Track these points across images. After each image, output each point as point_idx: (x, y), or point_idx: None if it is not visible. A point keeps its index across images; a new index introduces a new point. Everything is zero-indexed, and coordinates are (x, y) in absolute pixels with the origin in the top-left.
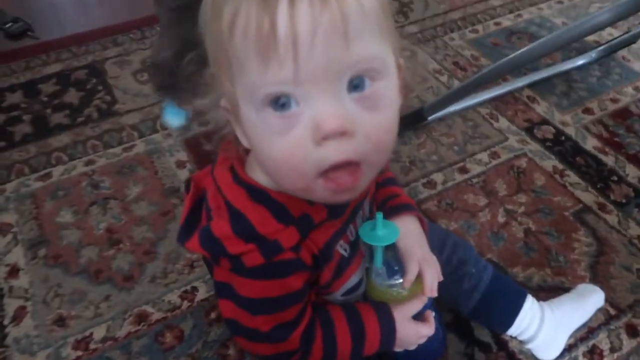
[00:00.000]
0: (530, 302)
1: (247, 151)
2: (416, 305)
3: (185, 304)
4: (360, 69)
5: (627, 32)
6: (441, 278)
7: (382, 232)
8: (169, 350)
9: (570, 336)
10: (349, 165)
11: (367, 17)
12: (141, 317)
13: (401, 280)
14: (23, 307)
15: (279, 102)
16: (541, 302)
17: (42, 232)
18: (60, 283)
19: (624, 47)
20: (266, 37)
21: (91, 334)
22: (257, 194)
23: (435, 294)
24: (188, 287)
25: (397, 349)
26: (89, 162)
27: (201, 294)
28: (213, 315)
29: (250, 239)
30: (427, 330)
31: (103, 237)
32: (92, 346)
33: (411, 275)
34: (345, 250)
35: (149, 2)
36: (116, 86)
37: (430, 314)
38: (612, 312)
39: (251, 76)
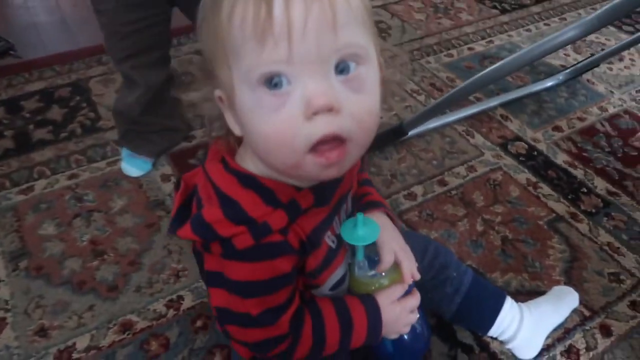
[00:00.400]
0: (509, 304)
1: (239, 142)
2: (398, 290)
3: (171, 312)
4: (346, 53)
5: (590, 56)
6: (416, 264)
7: (362, 230)
8: (154, 358)
9: (548, 336)
10: (336, 141)
11: (352, 11)
12: (126, 326)
13: (382, 273)
14: (3, 319)
15: (272, 82)
16: (520, 304)
17: (23, 244)
18: (42, 294)
19: (588, 70)
20: (263, 21)
21: (74, 343)
22: (247, 180)
23: (417, 277)
24: (174, 296)
25: (392, 335)
26: (73, 176)
27: (187, 303)
28: (199, 323)
29: (241, 222)
30: (414, 300)
31: (87, 249)
32: (75, 356)
33: (386, 264)
34: (333, 242)
35: None
36: (100, 103)
37: (416, 291)
38: (587, 313)
39: (248, 59)
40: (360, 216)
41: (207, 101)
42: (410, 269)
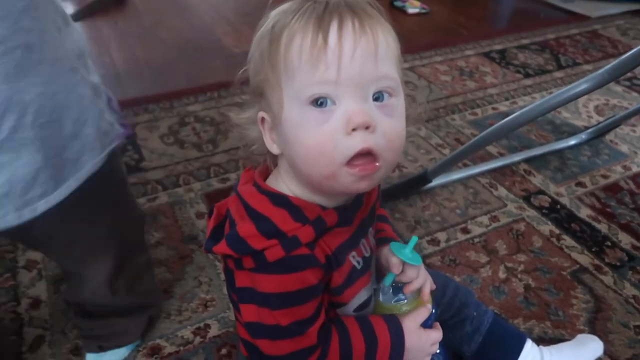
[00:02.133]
0: (530, 345)
1: (274, 162)
2: (422, 314)
3: (198, 339)
4: (382, 85)
5: (612, 116)
6: (434, 287)
7: (411, 252)
8: None
9: None
10: (369, 155)
11: (389, 50)
12: (154, 350)
13: (405, 299)
14: (41, 336)
15: (319, 101)
16: (541, 347)
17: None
18: None
19: (610, 130)
20: (319, 48)
21: None
22: (278, 199)
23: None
24: (201, 324)
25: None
26: None
27: (213, 331)
28: (224, 351)
29: (273, 235)
30: (436, 335)
31: None
32: None
33: (414, 285)
34: (359, 263)
35: (177, 78)
36: (144, 146)
37: (438, 324)
38: None
39: (301, 79)
40: (414, 239)
41: (251, 124)
42: (427, 290)
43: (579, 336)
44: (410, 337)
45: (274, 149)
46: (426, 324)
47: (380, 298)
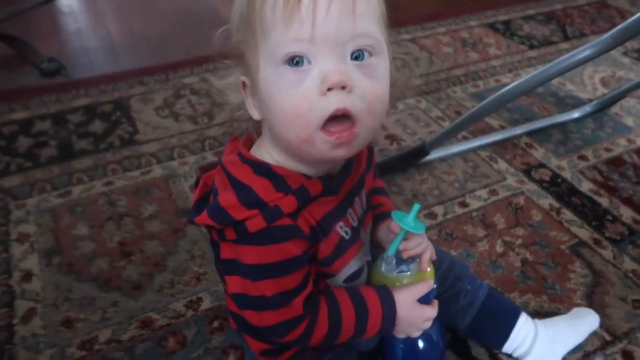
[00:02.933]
0: (524, 318)
1: (258, 130)
2: (422, 288)
3: (190, 312)
4: (361, 43)
5: (617, 88)
6: (435, 256)
7: (413, 222)
8: (171, 355)
9: (565, 357)
10: (346, 120)
11: (370, 6)
12: (146, 323)
13: (408, 271)
14: (33, 309)
15: (294, 60)
16: (535, 320)
17: (57, 242)
18: (70, 289)
19: (615, 102)
20: (292, 4)
21: (96, 336)
22: (260, 168)
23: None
24: (193, 298)
25: (403, 334)
26: (108, 183)
27: (206, 304)
28: (216, 324)
29: (254, 205)
30: (431, 311)
31: (116, 250)
32: (96, 347)
33: (416, 251)
34: (347, 233)
35: (173, 50)
36: (139, 119)
37: (435, 302)
38: (608, 338)
39: (275, 38)
40: (416, 206)
41: (233, 90)
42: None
43: (575, 309)
44: (404, 309)
45: (255, 114)
46: (426, 299)
47: (383, 268)
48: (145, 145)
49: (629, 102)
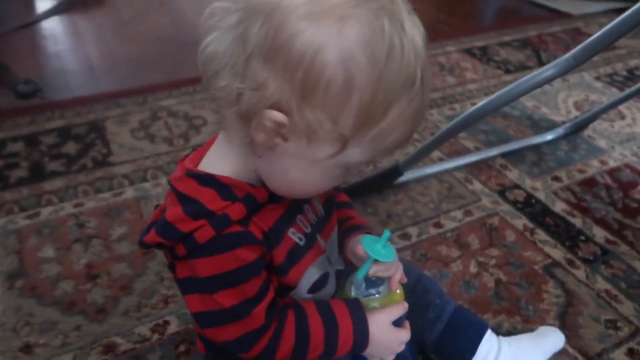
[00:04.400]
0: (489, 334)
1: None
2: (397, 311)
3: (156, 336)
4: None
5: (588, 111)
6: (405, 279)
7: (383, 249)
8: None
9: None
10: None
11: None
12: (109, 348)
13: (377, 294)
14: None
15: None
16: (500, 337)
17: (22, 265)
18: (32, 313)
19: (587, 124)
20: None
21: None
22: (205, 179)
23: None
24: (160, 321)
25: (374, 358)
26: (78, 205)
27: (172, 328)
28: (182, 347)
29: (200, 216)
30: (405, 334)
31: (82, 272)
32: None
33: (396, 277)
34: (301, 239)
35: (153, 73)
36: (113, 141)
37: (407, 323)
38: (581, 359)
39: (363, 151)
40: (386, 233)
41: (255, 90)
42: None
43: (541, 328)
44: (380, 332)
45: (260, 147)
46: (398, 321)
47: (352, 292)
48: (118, 167)
49: (601, 124)
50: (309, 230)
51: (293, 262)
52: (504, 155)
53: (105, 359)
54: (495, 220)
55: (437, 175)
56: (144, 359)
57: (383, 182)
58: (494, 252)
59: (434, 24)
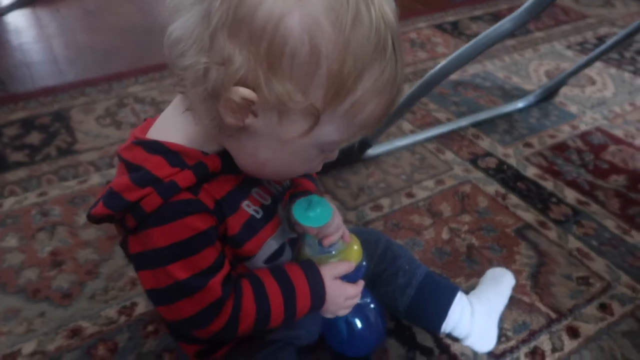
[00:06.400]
0: (459, 296)
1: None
2: (342, 267)
3: (123, 318)
4: None
5: (557, 77)
6: (348, 239)
7: (314, 212)
8: None
9: (500, 325)
10: None
11: None
12: (75, 332)
13: (333, 251)
14: None
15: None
16: (467, 296)
17: None
18: None
19: (557, 89)
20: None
21: (20, 349)
22: (152, 146)
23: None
24: (128, 303)
25: (327, 313)
26: (42, 194)
27: (140, 309)
28: (150, 328)
29: (147, 183)
30: (353, 290)
31: (46, 260)
32: None
33: (334, 238)
34: (257, 212)
35: (120, 61)
36: (79, 129)
37: (361, 283)
38: (554, 315)
39: (339, 129)
40: (313, 198)
41: (221, 65)
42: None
43: (489, 272)
44: (326, 286)
45: (230, 121)
46: (354, 278)
47: (306, 251)
48: (84, 155)
49: (572, 91)
50: (268, 202)
51: (250, 235)
52: (475, 125)
53: (71, 343)
54: (467, 188)
55: (409, 148)
56: (111, 341)
57: (353, 155)
58: (466, 218)
59: (408, 4)
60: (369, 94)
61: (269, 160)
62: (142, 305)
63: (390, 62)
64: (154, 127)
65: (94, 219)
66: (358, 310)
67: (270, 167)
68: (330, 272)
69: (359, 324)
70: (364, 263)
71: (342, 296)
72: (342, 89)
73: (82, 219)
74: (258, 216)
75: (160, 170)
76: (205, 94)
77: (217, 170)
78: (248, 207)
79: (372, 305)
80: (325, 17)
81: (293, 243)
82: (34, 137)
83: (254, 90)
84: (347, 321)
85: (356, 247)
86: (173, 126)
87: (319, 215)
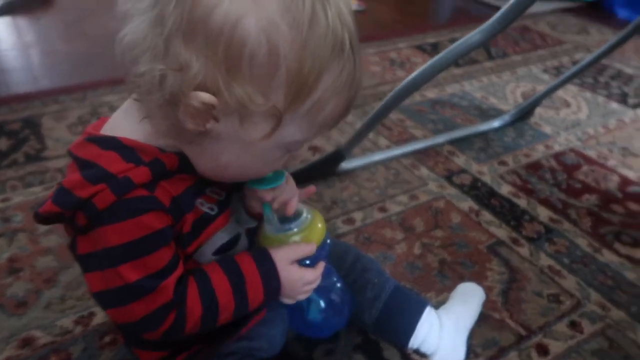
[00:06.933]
0: (428, 310)
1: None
2: (302, 250)
3: (79, 328)
4: None
5: (532, 97)
6: (296, 197)
7: (266, 177)
8: None
9: (469, 342)
10: None
11: None
12: (27, 342)
13: (295, 228)
14: None
15: (294, 148)
16: (437, 310)
17: None
18: None
19: (531, 109)
20: (340, 118)
21: None
22: (107, 142)
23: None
24: (85, 313)
25: (286, 298)
26: (5, 200)
27: (98, 319)
28: (107, 339)
29: (100, 180)
30: (311, 275)
31: (3, 266)
32: None
33: (291, 208)
34: (212, 209)
35: (97, 70)
36: (49, 136)
37: (321, 263)
38: (523, 333)
39: (300, 129)
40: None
41: (178, 71)
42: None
43: (459, 287)
44: (281, 271)
45: (190, 126)
46: (315, 259)
47: (266, 229)
48: (52, 161)
49: (547, 112)
50: (222, 197)
51: (199, 232)
52: (451, 142)
53: (21, 353)
54: (441, 204)
55: (384, 162)
56: (65, 351)
57: (327, 167)
58: (439, 233)
59: (389, 23)
60: (329, 93)
61: (231, 163)
62: (101, 316)
63: (349, 62)
64: (109, 123)
65: (42, 218)
66: (321, 291)
67: (233, 170)
68: (286, 256)
69: (321, 305)
70: (328, 241)
71: (300, 282)
72: (302, 89)
73: (44, 226)
74: (213, 213)
75: (114, 166)
76: (163, 101)
77: (174, 168)
78: (202, 206)
79: (338, 285)
80: (281, 19)
81: (252, 233)
82: (2, 143)
83: (213, 94)
84: (309, 303)
85: (320, 225)
86: (129, 122)
87: (271, 178)
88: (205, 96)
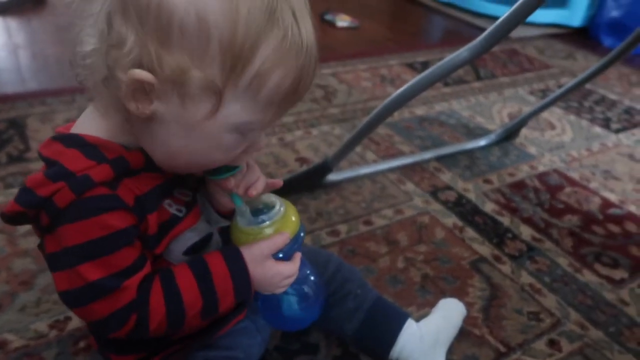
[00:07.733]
0: (409, 323)
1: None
2: (275, 243)
3: (54, 332)
4: None
5: (518, 117)
6: (262, 184)
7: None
8: None
9: (452, 359)
10: None
11: None
12: None
13: (267, 220)
14: None
15: (248, 130)
16: (418, 323)
17: None
18: None
19: (518, 129)
20: (292, 95)
21: None
22: (70, 140)
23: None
24: (61, 317)
25: (264, 292)
26: None
27: (74, 324)
28: (82, 344)
29: (60, 178)
30: (288, 269)
31: None
32: None
33: (259, 184)
34: (180, 211)
35: None
36: (33, 138)
37: (298, 256)
38: (503, 349)
39: (245, 108)
40: None
41: (117, 48)
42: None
43: (441, 302)
44: (253, 267)
45: (135, 116)
46: (289, 251)
47: (238, 221)
48: (35, 163)
49: (532, 134)
50: (190, 198)
51: (165, 233)
52: (438, 159)
53: None
54: (425, 219)
55: (370, 176)
56: (38, 356)
57: (313, 178)
58: (423, 248)
59: (380, 40)
60: (269, 63)
61: (181, 149)
62: (76, 321)
63: (292, 29)
64: (77, 121)
65: (8, 218)
66: (294, 283)
67: (184, 156)
68: (259, 252)
69: (295, 298)
70: (302, 234)
71: (278, 276)
72: (238, 61)
73: (23, 227)
74: (181, 214)
75: (74, 163)
76: (106, 82)
77: (140, 166)
78: (170, 207)
79: (312, 278)
80: None
81: (226, 232)
82: None
83: (150, 72)
84: (282, 296)
85: (294, 217)
86: (95, 120)
87: (228, 167)
88: (143, 73)
